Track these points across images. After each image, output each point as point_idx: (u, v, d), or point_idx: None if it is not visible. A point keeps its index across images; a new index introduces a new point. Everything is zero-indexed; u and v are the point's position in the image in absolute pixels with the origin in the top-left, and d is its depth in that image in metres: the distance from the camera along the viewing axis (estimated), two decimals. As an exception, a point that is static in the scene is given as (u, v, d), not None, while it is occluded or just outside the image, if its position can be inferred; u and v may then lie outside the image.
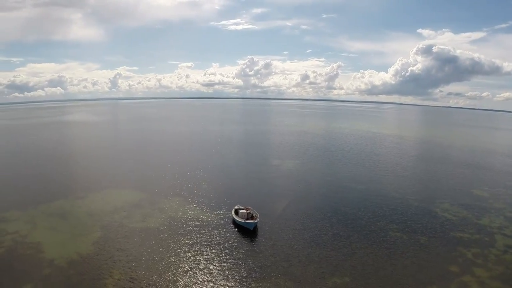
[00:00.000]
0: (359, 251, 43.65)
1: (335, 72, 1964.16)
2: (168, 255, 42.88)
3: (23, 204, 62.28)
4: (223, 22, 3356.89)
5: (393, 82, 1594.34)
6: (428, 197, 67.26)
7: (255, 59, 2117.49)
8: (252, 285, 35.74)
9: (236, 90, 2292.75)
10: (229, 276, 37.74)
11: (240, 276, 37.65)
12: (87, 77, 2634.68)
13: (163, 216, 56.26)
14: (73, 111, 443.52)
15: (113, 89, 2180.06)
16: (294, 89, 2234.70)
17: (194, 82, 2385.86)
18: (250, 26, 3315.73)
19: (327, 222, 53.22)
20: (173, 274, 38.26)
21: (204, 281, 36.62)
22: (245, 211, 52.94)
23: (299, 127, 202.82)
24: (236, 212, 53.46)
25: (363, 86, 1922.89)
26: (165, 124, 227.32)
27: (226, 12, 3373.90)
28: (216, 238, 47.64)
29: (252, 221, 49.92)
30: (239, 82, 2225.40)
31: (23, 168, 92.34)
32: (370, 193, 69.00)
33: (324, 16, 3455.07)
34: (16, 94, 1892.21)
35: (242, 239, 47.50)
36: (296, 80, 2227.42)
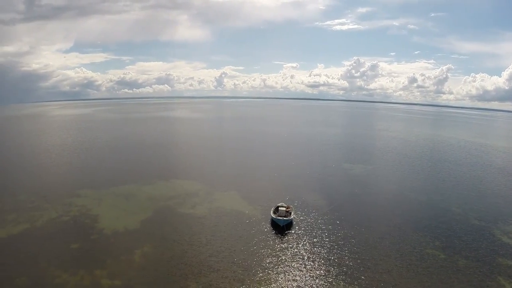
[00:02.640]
0: (382, 263, 43.15)
1: (444, 75, 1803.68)
2: (195, 237, 48.64)
3: (99, 184, 76.00)
4: (328, 22, 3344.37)
5: (507, 88, 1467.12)
6: (494, 216, 60.61)
7: (361, 60, 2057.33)
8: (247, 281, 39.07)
9: (341, 92, 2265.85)
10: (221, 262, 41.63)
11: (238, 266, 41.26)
12: (193, 75, 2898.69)
13: (211, 206, 62.56)
14: (176, 108, 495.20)
15: (218, 88, 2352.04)
16: (401, 92, 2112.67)
17: (299, 83, 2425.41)
18: (355, 26, 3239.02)
19: (363, 230, 52.75)
20: (189, 254, 43.74)
21: (202, 263, 41.20)
22: (284, 209, 56.08)
23: (393, 133, 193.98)
24: (277, 208, 56.91)
25: (474, 91, 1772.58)
26: (261, 124, 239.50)
27: (330, 12, 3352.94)
28: (247, 230, 51.78)
29: (281, 217, 52.74)
30: (345, 83, 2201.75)
31: (114, 154, 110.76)
32: (429, 205, 65.34)
33: (433, 14, 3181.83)
34: (126, 90, 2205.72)
35: (270, 234, 50.54)
36: (403, 83, 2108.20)
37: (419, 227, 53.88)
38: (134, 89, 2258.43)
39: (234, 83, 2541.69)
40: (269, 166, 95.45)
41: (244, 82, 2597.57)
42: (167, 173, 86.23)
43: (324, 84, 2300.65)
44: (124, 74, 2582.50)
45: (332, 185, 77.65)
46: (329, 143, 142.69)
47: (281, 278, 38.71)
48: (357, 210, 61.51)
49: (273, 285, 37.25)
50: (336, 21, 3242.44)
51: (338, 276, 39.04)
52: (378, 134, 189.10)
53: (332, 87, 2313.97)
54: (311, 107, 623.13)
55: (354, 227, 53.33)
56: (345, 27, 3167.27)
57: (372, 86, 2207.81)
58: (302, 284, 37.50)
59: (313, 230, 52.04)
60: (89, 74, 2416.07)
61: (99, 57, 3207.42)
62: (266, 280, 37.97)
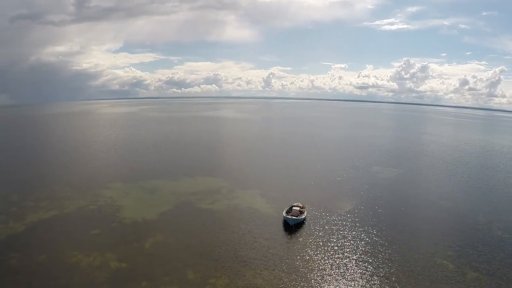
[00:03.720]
0: (382, 269, 43.84)
1: (497, 78, 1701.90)
2: (205, 230, 52.15)
3: (129, 178, 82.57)
4: (376, 22, 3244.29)
5: None
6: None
7: (411, 62, 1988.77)
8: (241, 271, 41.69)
9: (391, 94, 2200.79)
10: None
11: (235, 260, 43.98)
12: (241, 76, 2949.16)
13: (229, 203, 65.91)
14: (222, 107, 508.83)
15: (266, 88, 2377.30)
16: (452, 95, 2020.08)
17: (347, 84, 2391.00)
18: (405, 26, 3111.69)
19: (373, 233, 53.46)
20: (194, 245, 47.21)
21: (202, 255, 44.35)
22: (298, 208, 58.19)
23: (435, 136, 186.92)
24: (291, 208, 59.12)
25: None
26: (303, 125, 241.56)
27: (379, 12, 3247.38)
28: (257, 226, 54.38)
29: (291, 217, 54.78)
30: (394, 85, 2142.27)
31: (149, 151, 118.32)
32: (452, 212, 63.68)
33: (484, 13, 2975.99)
34: (174, 89, 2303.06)
35: (277, 231, 52.66)
36: (454, 85, 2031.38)
37: (434, 234, 53.18)
38: (183, 88, 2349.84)
39: (282, 84, 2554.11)
40: (297, 167, 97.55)
41: (292, 83, 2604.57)
42: (195, 170, 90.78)
43: (373, 86, 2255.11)
44: (172, 73, 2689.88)
45: (356, 187, 77.96)
46: (364, 146, 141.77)
47: (270, 273, 41.03)
48: (373, 213, 61.80)
49: (268, 277, 39.70)
50: (385, 20, 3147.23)
51: (333, 280, 40.63)
52: (419, 137, 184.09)
53: (381, 89, 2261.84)
54: (358, 109, 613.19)
55: (363, 230, 54.03)
56: (394, 27, 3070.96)
57: (422, 88, 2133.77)
58: (286, 280, 39.65)
59: (323, 231, 53.36)
60: (138, 73, 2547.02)
61: (148, 57, 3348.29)
62: (259, 274, 40.42)
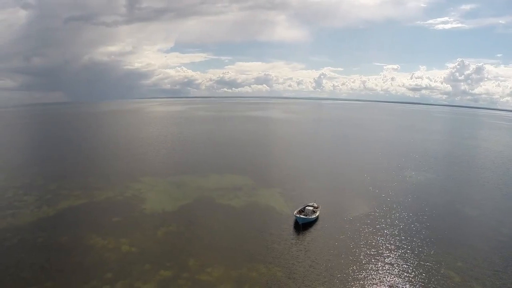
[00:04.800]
0: (382, 275, 44.25)
1: None
2: (216, 224, 55.99)
3: (160, 172, 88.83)
4: (429, 21, 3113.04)
5: None
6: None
7: (466, 62, 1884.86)
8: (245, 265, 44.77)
9: (444, 96, 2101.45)
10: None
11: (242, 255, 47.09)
12: (292, 76, 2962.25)
13: (248, 199, 69.30)
14: (270, 108, 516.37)
15: (317, 89, 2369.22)
16: (508, 98, 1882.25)
17: (399, 86, 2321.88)
18: (459, 25, 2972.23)
19: (380, 238, 53.92)
20: (202, 236, 51.08)
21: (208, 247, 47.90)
22: (311, 208, 60.33)
23: (479, 142, 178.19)
24: (305, 207, 61.37)
25: None
26: (349, 127, 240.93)
27: (432, 10, 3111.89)
28: (267, 222, 57.24)
29: (299, 215, 56.91)
30: (448, 87, 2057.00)
31: (185, 148, 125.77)
32: (476, 221, 61.86)
33: None
34: (225, 89, 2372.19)
35: (285, 229, 54.85)
36: (510, 88, 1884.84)
37: (448, 244, 52.24)
38: (233, 88, 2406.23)
39: (333, 85, 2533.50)
40: (327, 169, 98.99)
41: (343, 84, 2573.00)
42: (225, 168, 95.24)
43: (426, 88, 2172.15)
44: (223, 73, 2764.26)
45: (379, 191, 77.73)
46: (404, 149, 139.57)
47: (265, 267, 43.89)
48: (388, 218, 61.91)
49: (263, 271, 42.71)
50: (439, 19, 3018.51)
51: (326, 282, 42.75)
52: (461, 142, 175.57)
53: (434, 90, 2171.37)
54: (408, 112, 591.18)
55: (372, 235, 54.56)
56: (448, 26, 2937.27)
57: (477, 90, 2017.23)
58: (280, 275, 42.28)
59: (330, 232, 54.69)
60: (189, 73, 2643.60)
61: (198, 57, 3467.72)
62: (255, 267, 43.50)
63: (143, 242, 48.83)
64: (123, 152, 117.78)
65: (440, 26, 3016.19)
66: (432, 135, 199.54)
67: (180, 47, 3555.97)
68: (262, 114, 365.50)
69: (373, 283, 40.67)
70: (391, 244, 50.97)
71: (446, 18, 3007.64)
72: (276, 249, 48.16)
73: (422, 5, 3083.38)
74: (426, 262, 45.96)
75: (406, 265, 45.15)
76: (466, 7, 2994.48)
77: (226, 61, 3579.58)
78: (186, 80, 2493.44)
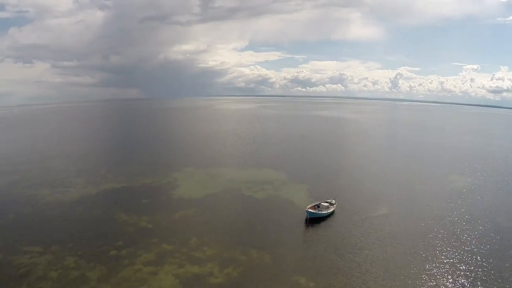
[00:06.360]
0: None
1: None
2: (232, 212, 62.62)
3: (202, 164, 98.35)
4: (511, 18, 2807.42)
5: None
6: None
7: None
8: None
9: None
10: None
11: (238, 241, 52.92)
12: (367, 76, 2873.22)
13: (272, 193, 74.33)
14: (341, 108, 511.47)
15: (393, 90, 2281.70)
16: None
17: (479, 87, 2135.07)
18: None
19: (389, 245, 54.17)
20: (214, 222, 58.01)
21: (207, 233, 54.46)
22: (326, 204, 63.40)
23: None
24: (321, 202, 64.70)
25: None
26: (413, 130, 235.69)
27: None
28: (281, 215, 61.74)
29: (310, 210, 60.11)
30: None
31: (236, 143, 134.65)
32: (502, 231, 60.58)
33: None
34: (299, 88, 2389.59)
35: (295, 223, 58.71)
36: None
37: (456, 253, 51.55)
38: (308, 87, 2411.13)
39: (410, 85, 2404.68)
40: (370, 171, 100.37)
41: (420, 85, 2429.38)
42: (265, 163, 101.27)
43: (508, 90, 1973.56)
44: (297, 72, 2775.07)
45: (410, 195, 77.36)
46: (460, 153, 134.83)
47: (259, 253, 49.27)
48: (409, 223, 60.79)
49: (255, 256, 48.45)
50: None
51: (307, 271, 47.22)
52: None
53: None
54: (485, 115, 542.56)
55: (382, 240, 53.60)
56: None
57: None
58: (270, 263, 47.59)
59: (338, 230, 56.58)
60: (263, 71, 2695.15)
61: (273, 55, 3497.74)
62: (250, 254, 48.82)
63: (159, 221, 56.99)
64: (178, 144, 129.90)
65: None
66: (498, 140, 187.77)
67: (255, 45, 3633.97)
68: (332, 114, 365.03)
69: (368, 280, 44.51)
70: (398, 250, 52.23)
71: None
72: (274, 238, 52.23)
73: (503, 0, 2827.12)
74: (436, 275, 46.86)
75: (409, 274, 47.39)
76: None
77: (300, 60, 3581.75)
78: (260, 78, 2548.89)
